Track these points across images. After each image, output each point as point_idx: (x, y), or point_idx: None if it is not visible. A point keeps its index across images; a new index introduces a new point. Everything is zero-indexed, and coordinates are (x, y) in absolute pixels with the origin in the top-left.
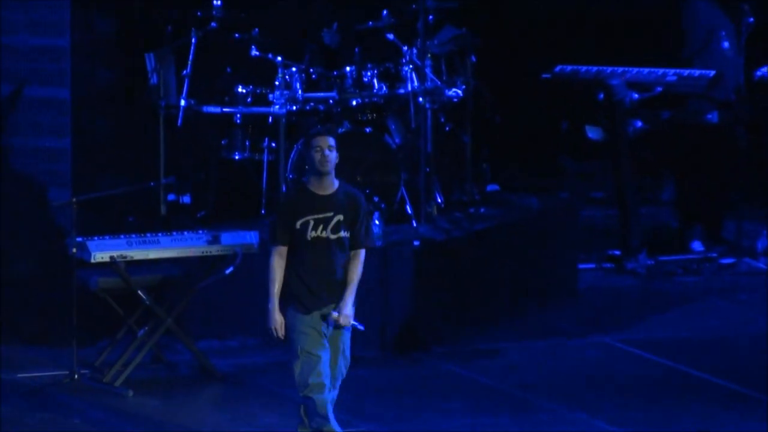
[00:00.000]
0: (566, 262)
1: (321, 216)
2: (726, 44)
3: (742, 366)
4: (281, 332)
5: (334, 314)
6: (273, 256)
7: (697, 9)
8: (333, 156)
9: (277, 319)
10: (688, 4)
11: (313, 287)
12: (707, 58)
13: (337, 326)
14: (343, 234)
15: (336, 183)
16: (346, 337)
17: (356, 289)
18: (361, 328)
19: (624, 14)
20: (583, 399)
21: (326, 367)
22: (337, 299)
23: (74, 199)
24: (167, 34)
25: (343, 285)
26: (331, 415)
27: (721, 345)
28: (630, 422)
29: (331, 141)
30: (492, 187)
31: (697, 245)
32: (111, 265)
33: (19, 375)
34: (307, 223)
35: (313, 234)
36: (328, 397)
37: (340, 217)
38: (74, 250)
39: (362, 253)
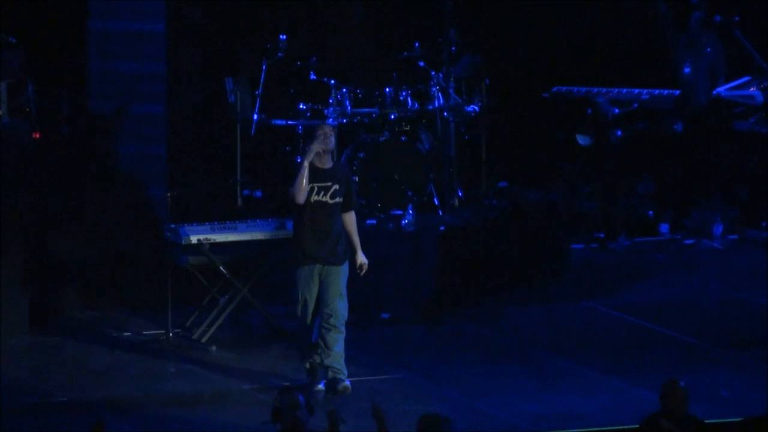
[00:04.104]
0: (560, 243)
1: (322, 184)
2: (688, 70)
3: (700, 325)
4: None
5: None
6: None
7: (674, 43)
8: (332, 138)
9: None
10: (666, 37)
11: (313, 243)
12: (676, 80)
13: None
14: (338, 200)
15: (332, 161)
16: (342, 282)
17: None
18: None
19: (610, 42)
20: (573, 351)
21: (313, 312)
22: (332, 253)
23: (169, 194)
24: (243, 62)
25: (336, 241)
26: (322, 349)
27: (684, 308)
28: (611, 369)
29: (330, 128)
30: (502, 184)
31: (665, 228)
32: (198, 247)
33: (125, 333)
34: (312, 189)
35: (316, 198)
36: (316, 334)
37: (337, 186)
38: (169, 234)
39: (353, 213)
